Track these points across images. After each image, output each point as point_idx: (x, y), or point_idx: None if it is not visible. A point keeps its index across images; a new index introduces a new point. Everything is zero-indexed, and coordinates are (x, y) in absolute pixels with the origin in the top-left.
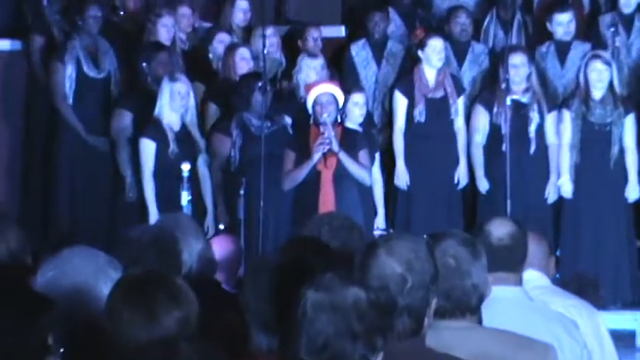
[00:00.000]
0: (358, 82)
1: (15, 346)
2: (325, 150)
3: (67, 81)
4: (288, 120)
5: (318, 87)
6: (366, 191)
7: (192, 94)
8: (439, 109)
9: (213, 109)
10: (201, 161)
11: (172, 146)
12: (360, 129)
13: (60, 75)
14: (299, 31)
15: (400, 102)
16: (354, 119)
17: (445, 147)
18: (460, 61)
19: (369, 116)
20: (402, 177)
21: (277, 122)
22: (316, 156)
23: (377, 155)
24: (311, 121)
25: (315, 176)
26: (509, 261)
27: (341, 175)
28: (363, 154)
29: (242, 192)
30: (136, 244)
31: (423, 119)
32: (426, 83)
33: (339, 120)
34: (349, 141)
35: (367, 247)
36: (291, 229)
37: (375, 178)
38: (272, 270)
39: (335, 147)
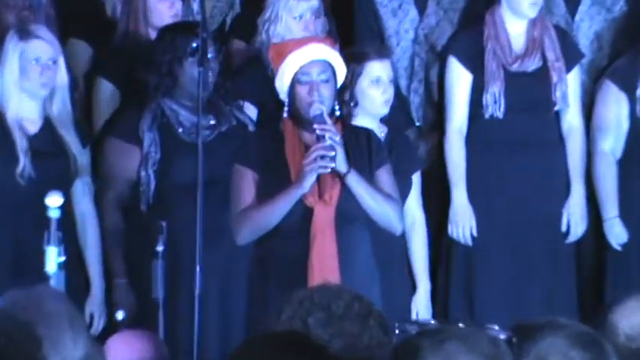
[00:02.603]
0: (382, 40)
1: None
2: (326, 169)
3: None
4: (250, 111)
5: (301, 49)
6: (394, 246)
7: (63, 64)
8: (533, 92)
9: (106, 93)
10: (82, 190)
11: (25, 164)
12: (382, 129)
13: None
14: None
15: (459, 79)
16: (373, 110)
17: (544, 163)
18: (572, 3)
19: (401, 106)
20: (461, 220)
21: (228, 117)
22: (307, 180)
23: (417, 178)
24: (285, 114)
25: (301, 218)
26: None
27: (349, 216)
28: (384, 176)
29: (160, 248)
30: None
31: (501, 112)
32: (508, 45)
33: (338, 112)
34: (359, 152)
35: (400, 352)
36: (254, 317)
37: (415, 221)
38: None
39: (342, 164)
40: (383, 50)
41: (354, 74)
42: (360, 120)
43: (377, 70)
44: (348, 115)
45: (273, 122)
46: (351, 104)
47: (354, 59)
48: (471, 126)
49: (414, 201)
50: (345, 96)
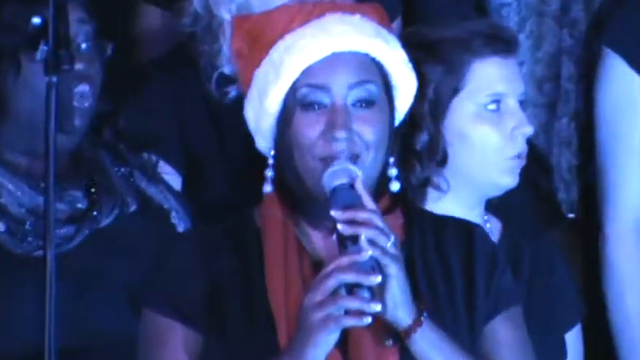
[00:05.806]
0: (485, 14)
1: None
2: (362, 320)
3: None
4: (172, 181)
5: (305, 29)
6: None
7: None
8: None
9: None
10: None
11: None
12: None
13: None
14: None
15: (631, 105)
16: (486, 176)
17: None
18: None
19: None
20: None
21: (120, 194)
22: (316, 345)
23: (576, 337)
24: (266, 187)
25: None
26: None
27: None
28: (507, 334)
29: None
30: None
31: None
32: None
33: (396, 183)
34: (446, 278)
35: None
36: None
37: None
38: None
39: (399, 308)
40: (506, 33)
41: (442, 90)
42: (456, 200)
43: (497, 79)
44: (424, 188)
45: (232, 204)
46: (433, 161)
47: (444, 54)
48: None
49: None
50: (418, 140)
